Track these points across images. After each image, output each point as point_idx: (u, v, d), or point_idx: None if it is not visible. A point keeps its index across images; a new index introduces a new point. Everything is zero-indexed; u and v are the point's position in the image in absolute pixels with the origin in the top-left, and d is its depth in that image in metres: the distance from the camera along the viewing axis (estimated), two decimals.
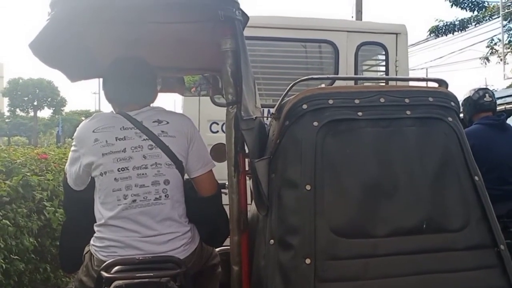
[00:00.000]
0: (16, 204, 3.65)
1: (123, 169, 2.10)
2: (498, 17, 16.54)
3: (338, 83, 3.72)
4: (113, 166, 2.11)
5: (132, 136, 2.15)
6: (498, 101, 5.29)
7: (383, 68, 4.50)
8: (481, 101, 3.97)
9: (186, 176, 2.29)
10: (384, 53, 4.44)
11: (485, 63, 19.56)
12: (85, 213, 2.22)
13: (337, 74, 4.27)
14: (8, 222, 3.38)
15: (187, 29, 2.20)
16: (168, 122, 2.21)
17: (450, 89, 2.10)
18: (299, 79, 2.02)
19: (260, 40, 4.16)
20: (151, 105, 2.31)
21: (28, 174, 3.92)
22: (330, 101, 1.92)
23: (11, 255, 3.48)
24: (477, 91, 4.04)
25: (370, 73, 5.09)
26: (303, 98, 1.92)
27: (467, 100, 4.05)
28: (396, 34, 4.44)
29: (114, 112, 2.28)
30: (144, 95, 2.28)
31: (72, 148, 2.26)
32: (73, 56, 2.41)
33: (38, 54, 2.13)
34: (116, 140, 2.13)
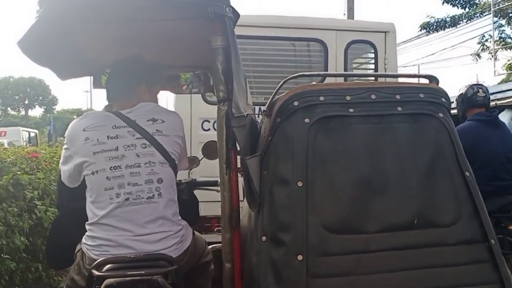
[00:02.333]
0: (6, 203, 3.63)
1: (115, 168, 2.10)
2: (489, 13, 16.63)
3: (328, 80, 3.72)
4: (105, 165, 2.10)
5: (125, 134, 2.14)
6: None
7: (373, 66, 4.52)
8: (474, 97, 3.98)
9: None
10: (373, 51, 4.46)
11: (477, 60, 19.69)
12: (79, 210, 2.21)
13: (327, 72, 4.28)
14: None
15: (178, 27, 2.19)
16: (163, 121, 2.21)
17: (441, 86, 2.10)
18: (290, 76, 2.02)
19: (250, 39, 4.17)
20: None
21: (19, 173, 3.90)
22: (321, 98, 1.92)
23: (2, 254, 3.46)
24: (471, 86, 4.06)
25: (360, 71, 5.12)
26: (294, 95, 1.92)
27: (461, 96, 4.07)
28: (385, 32, 4.47)
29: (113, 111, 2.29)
30: (133, 91, 2.27)
31: (64, 146, 2.25)
32: (63, 54, 2.39)
33: (27, 52, 2.11)
34: (108, 139, 2.13)
